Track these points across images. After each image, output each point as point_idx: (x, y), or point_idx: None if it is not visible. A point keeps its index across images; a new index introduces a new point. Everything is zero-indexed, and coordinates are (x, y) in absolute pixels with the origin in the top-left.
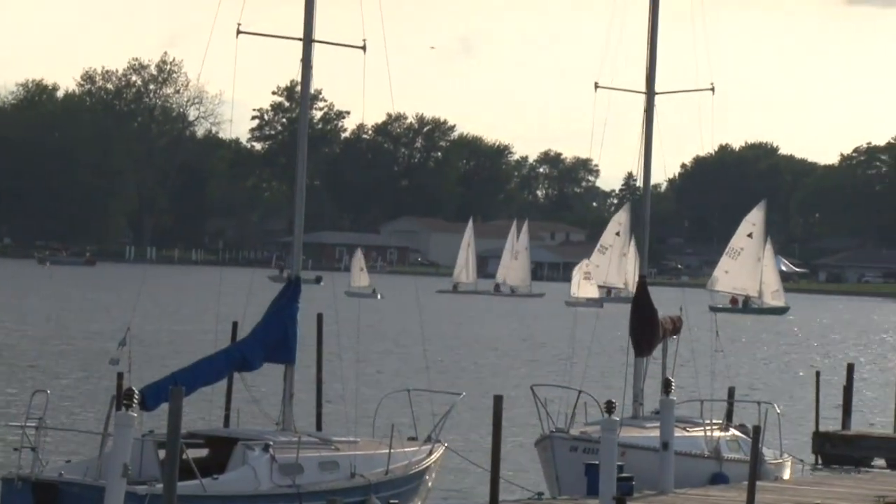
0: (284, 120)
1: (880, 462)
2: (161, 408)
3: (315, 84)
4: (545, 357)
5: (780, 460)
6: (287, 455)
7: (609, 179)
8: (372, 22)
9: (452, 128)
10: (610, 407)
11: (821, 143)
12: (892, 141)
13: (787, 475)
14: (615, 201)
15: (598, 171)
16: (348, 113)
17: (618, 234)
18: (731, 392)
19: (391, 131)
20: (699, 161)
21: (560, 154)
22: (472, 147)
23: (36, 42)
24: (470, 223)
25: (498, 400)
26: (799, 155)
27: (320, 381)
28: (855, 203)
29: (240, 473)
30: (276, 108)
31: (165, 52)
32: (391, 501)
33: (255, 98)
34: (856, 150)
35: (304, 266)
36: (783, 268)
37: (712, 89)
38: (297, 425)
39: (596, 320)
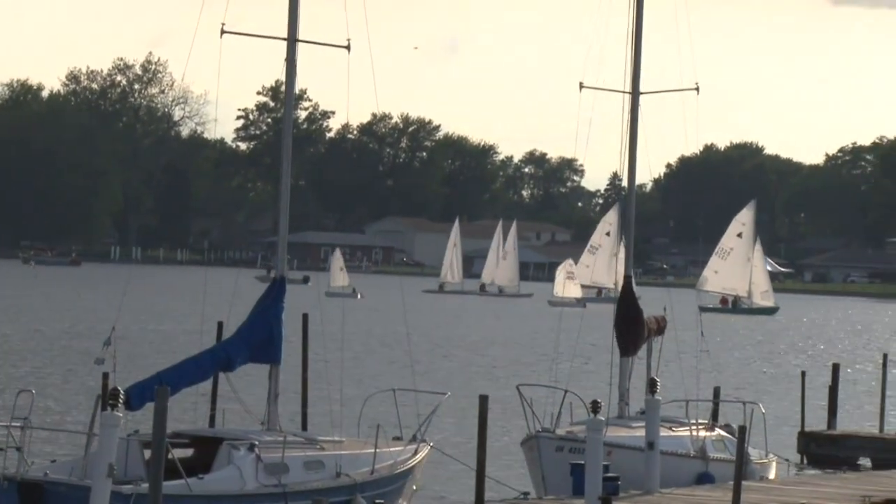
0: (269, 120)
1: (866, 462)
2: (146, 407)
3: (300, 84)
4: (530, 357)
5: (766, 460)
6: (272, 455)
7: (594, 179)
8: (356, 22)
9: (437, 128)
10: (595, 407)
11: (806, 143)
12: (877, 141)
13: (772, 475)
14: (600, 201)
15: (583, 171)
16: (333, 113)
17: (608, 234)
18: (716, 392)
19: (376, 131)
20: (684, 161)
21: (545, 154)
22: (457, 147)
23: (21, 42)
24: (456, 223)
25: (483, 400)
26: (784, 155)
27: (306, 380)
28: (840, 203)
29: (225, 473)
30: (261, 108)
31: (150, 52)
32: (377, 501)
33: (240, 98)
34: (841, 150)
35: (290, 266)
36: (769, 268)
37: (697, 89)
38: (283, 425)
39: (581, 320)
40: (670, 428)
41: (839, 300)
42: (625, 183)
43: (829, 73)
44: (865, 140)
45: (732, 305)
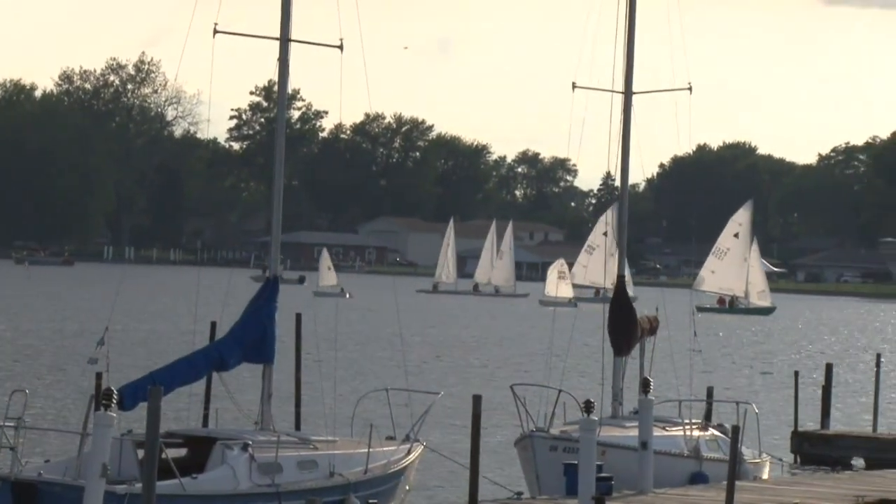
0: (262, 120)
1: (859, 461)
2: (140, 407)
3: (293, 84)
4: (523, 356)
5: (760, 460)
6: (266, 454)
7: (587, 179)
8: (349, 21)
9: (430, 128)
10: (589, 406)
11: (799, 143)
12: (870, 141)
13: (766, 475)
14: (593, 201)
15: (576, 171)
16: (326, 113)
17: (605, 234)
18: (709, 392)
19: (369, 131)
20: (677, 161)
21: (538, 154)
22: (450, 147)
23: (14, 42)
24: (451, 223)
25: (477, 400)
26: (777, 155)
27: (299, 380)
28: (833, 203)
29: (219, 473)
30: (254, 107)
31: (143, 52)
32: (370, 501)
33: (233, 98)
34: (834, 150)
35: (283, 266)
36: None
37: (690, 89)
38: (276, 425)
39: (574, 320)
40: (664, 428)
41: (832, 300)
42: (618, 183)
43: (822, 73)
44: (858, 140)
45: (729, 305)
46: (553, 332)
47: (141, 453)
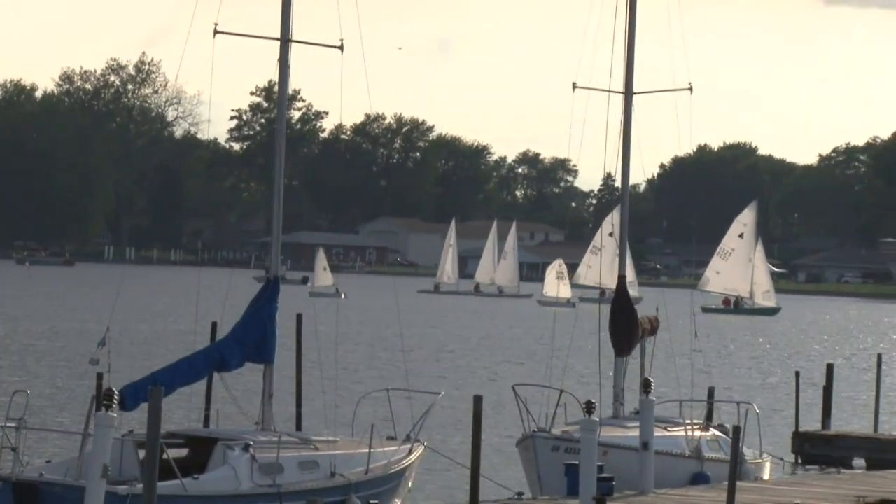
0: (263, 120)
1: (860, 462)
2: (141, 408)
3: (293, 84)
4: (524, 357)
5: (761, 460)
6: (267, 455)
7: (587, 180)
8: (349, 22)
9: (431, 128)
10: (590, 407)
11: (799, 144)
12: (870, 141)
13: (767, 475)
14: (594, 202)
15: (576, 172)
16: (326, 113)
17: (611, 234)
18: (710, 392)
19: (369, 131)
20: (678, 161)
21: (538, 154)
22: (450, 147)
23: (14, 42)
24: (452, 224)
25: (478, 400)
26: (778, 155)
27: (300, 380)
28: (834, 203)
29: (220, 473)
30: (255, 108)
31: (143, 53)
32: (371, 501)
33: (234, 98)
34: (834, 151)
35: (283, 266)
36: None
37: (690, 89)
38: (277, 425)
39: (575, 320)
40: (665, 428)
41: (833, 300)
42: (618, 183)
43: (823, 73)
44: (859, 140)
45: (734, 306)
46: (554, 332)
47: (142, 454)
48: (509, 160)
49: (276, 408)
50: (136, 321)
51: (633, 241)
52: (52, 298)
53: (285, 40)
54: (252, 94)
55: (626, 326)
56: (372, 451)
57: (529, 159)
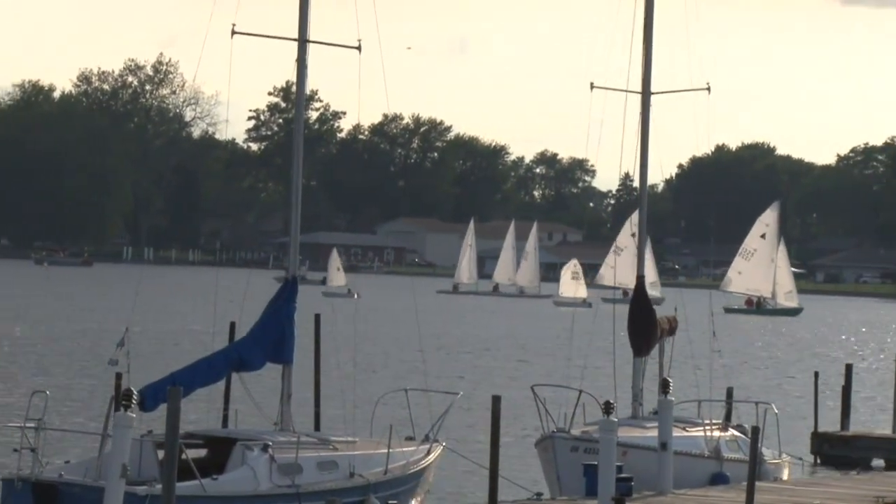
0: (280, 120)
1: (879, 462)
2: (160, 408)
3: (311, 84)
4: (542, 357)
5: (780, 460)
6: (286, 455)
7: (605, 180)
8: (367, 22)
9: (449, 128)
10: (608, 407)
11: (818, 144)
12: (889, 141)
13: (785, 475)
14: (612, 202)
15: (594, 172)
16: (344, 113)
17: (633, 234)
18: (729, 392)
19: (387, 132)
20: (696, 161)
21: (556, 154)
22: (468, 147)
23: (32, 43)
24: (471, 224)
25: (496, 400)
26: (796, 155)
27: (318, 381)
28: (852, 203)
29: (239, 474)
30: (272, 108)
31: (161, 53)
32: (390, 501)
33: (251, 99)
34: (853, 151)
35: (304, 266)
36: None
37: (708, 89)
38: (296, 425)
39: (594, 320)
40: (684, 428)
41: (851, 300)
42: (636, 183)
43: (841, 73)
44: (877, 140)
45: (756, 306)
46: (573, 332)
47: (161, 454)
48: (527, 160)
49: (294, 408)
50: (155, 321)
51: (651, 242)
52: (71, 299)
53: (303, 41)
54: (270, 94)
55: (644, 326)
56: (391, 451)
57: (547, 159)
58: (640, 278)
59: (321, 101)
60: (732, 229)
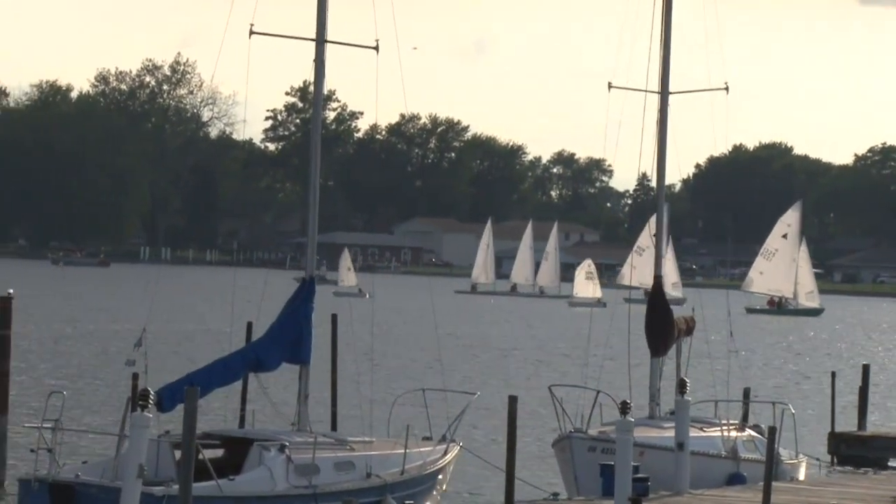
0: (298, 120)
1: None
2: (178, 408)
3: (328, 84)
4: (559, 357)
5: (797, 461)
6: (303, 455)
7: (623, 180)
8: (384, 22)
9: (466, 128)
10: (625, 407)
11: (835, 143)
12: None
13: (802, 475)
14: (629, 202)
15: (611, 172)
16: (361, 113)
17: (654, 235)
18: (746, 392)
19: (404, 132)
20: (713, 161)
21: (574, 154)
22: (485, 147)
23: (50, 43)
24: (489, 224)
25: (513, 400)
26: (813, 155)
27: (335, 381)
28: (870, 203)
29: (256, 474)
30: (290, 108)
31: (179, 53)
32: (406, 501)
33: (269, 99)
34: (870, 150)
35: (324, 267)
36: None
37: (727, 89)
38: (313, 425)
39: (611, 320)
40: (701, 429)
41: (869, 301)
42: (654, 183)
43: (859, 73)
44: (895, 140)
45: (778, 307)
46: (590, 332)
47: (178, 454)
48: (544, 160)
49: (311, 408)
50: (172, 322)
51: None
52: (86, 299)
53: (321, 41)
54: (287, 94)
55: (661, 327)
56: (408, 451)
57: (564, 159)
58: (658, 278)
59: (338, 101)
60: (750, 229)
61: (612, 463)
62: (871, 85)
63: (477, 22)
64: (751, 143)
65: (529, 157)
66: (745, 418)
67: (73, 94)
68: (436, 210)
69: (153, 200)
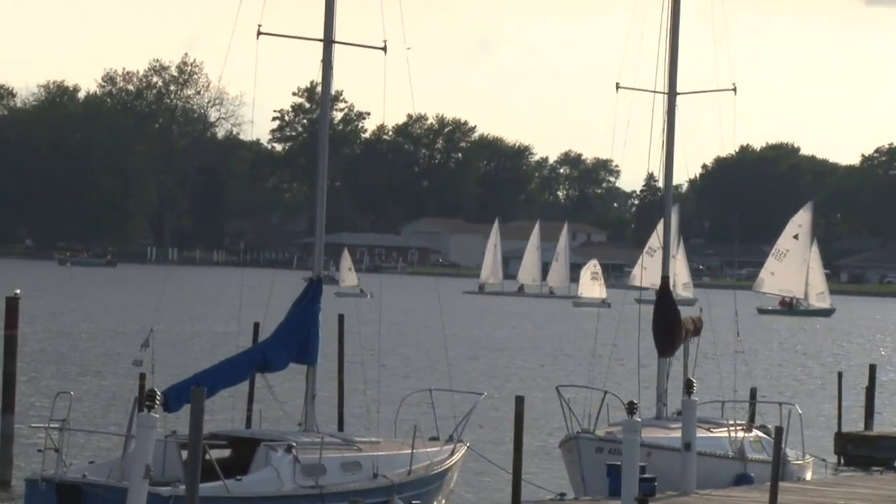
0: (305, 121)
1: None
2: (184, 409)
3: (335, 85)
4: (565, 357)
5: (803, 461)
6: (310, 456)
7: (630, 180)
8: (392, 23)
9: (473, 129)
10: (632, 408)
11: (842, 144)
12: None
13: (809, 476)
14: (636, 202)
15: (618, 172)
16: (368, 114)
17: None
18: (752, 393)
19: (411, 132)
20: (720, 161)
21: (580, 155)
22: (492, 148)
23: (57, 44)
24: (496, 224)
25: (519, 401)
26: (820, 155)
27: (342, 381)
28: (876, 203)
29: (263, 474)
30: (297, 109)
31: (186, 54)
32: (413, 502)
33: (276, 99)
34: (877, 151)
35: (326, 267)
36: None
37: (734, 89)
38: (319, 426)
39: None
40: (708, 429)
41: (875, 301)
42: (661, 184)
43: (865, 73)
44: None
45: (789, 307)
46: (597, 332)
47: (185, 454)
48: (551, 160)
49: (318, 408)
50: (179, 322)
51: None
52: (93, 299)
53: (329, 41)
54: (294, 94)
55: (669, 327)
56: (414, 451)
57: (571, 160)
58: (665, 279)
59: (345, 101)
60: (756, 230)
61: (619, 463)
62: (878, 85)
63: (484, 22)
64: (757, 144)
65: (536, 158)
66: (751, 419)
67: (81, 95)
68: (443, 210)
69: (160, 201)
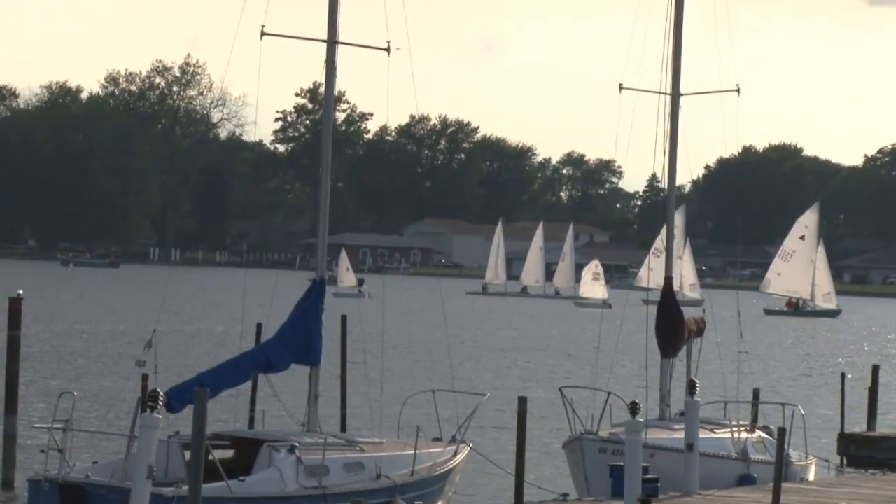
0: (308, 122)
1: None
2: (188, 409)
3: (338, 86)
4: (568, 358)
5: (806, 462)
6: (313, 456)
7: (632, 181)
8: (396, 24)
9: (476, 129)
10: (634, 408)
11: (845, 145)
12: None
13: (812, 476)
14: (639, 203)
15: (621, 173)
16: (371, 115)
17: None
18: (755, 393)
19: (414, 133)
20: (723, 162)
21: (583, 155)
22: (495, 148)
23: (60, 44)
24: (499, 225)
25: (522, 401)
26: (823, 156)
27: (344, 382)
28: (879, 204)
29: (266, 475)
30: (300, 109)
31: (189, 54)
32: (416, 502)
33: (279, 100)
34: (880, 151)
35: (329, 268)
36: None
37: (737, 90)
38: (322, 426)
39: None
40: (711, 430)
41: (878, 302)
42: (664, 185)
43: (868, 74)
44: None
45: (796, 308)
46: (600, 333)
47: (188, 455)
48: (554, 161)
49: (321, 409)
50: (182, 323)
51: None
52: (97, 300)
53: (332, 42)
54: (297, 95)
55: (672, 328)
56: (417, 452)
57: (574, 160)
58: (668, 279)
59: (348, 102)
60: (759, 231)
61: (622, 464)
62: (881, 86)
63: (486, 23)
64: (760, 145)
65: (539, 159)
66: (754, 419)
67: (83, 96)
68: (445, 211)
69: (163, 202)
